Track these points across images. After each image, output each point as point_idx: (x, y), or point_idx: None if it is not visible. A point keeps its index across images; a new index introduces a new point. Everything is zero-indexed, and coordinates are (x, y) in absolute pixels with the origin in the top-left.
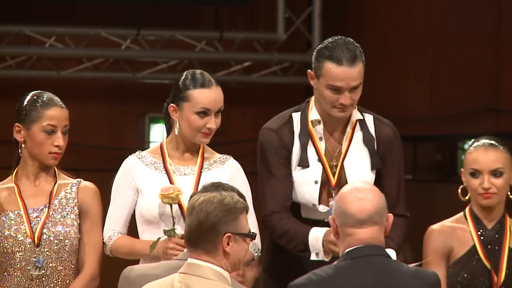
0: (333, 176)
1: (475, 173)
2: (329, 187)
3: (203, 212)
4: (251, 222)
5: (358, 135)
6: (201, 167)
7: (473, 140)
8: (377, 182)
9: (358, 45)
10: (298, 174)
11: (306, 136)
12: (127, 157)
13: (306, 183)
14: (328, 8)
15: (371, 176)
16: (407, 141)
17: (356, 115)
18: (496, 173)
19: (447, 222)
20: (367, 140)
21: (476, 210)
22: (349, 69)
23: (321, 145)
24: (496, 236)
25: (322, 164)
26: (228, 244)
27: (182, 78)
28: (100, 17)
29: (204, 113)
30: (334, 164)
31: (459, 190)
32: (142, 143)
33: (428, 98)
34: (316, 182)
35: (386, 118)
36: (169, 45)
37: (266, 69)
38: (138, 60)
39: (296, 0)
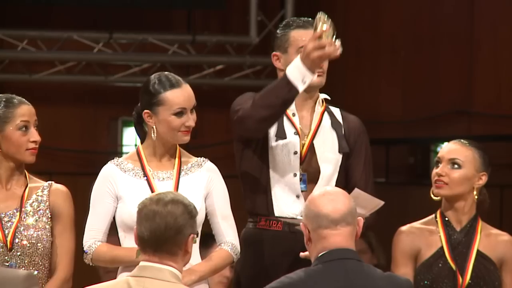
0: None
1: (437, 163)
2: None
3: (170, 215)
4: (229, 225)
5: (326, 119)
6: (179, 171)
7: None
8: (346, 174)
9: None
10: (276, 145)
11: None
12: (102, 161)
13: (286, 154)
14: (300, 11)
15: (338, 158)
16: (380, 144)
17: (321, 95)
18: (454, 163)
19: (417, 223)
20: (334, 124)
21: (446, 212)
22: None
23: (296, 120)
24: (465, 238)
25: (299, 137)
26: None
27: (151, 83)
28: (72, 21)
29: (181, 112)
30: (303, 142)
31: (431, 190)
32: (115, 147)
33: (400, 101)
34: (295, 152)
35: None
36: (141, 49)
37: (238, 72)
38: (111, 64)
39: (269, 3)
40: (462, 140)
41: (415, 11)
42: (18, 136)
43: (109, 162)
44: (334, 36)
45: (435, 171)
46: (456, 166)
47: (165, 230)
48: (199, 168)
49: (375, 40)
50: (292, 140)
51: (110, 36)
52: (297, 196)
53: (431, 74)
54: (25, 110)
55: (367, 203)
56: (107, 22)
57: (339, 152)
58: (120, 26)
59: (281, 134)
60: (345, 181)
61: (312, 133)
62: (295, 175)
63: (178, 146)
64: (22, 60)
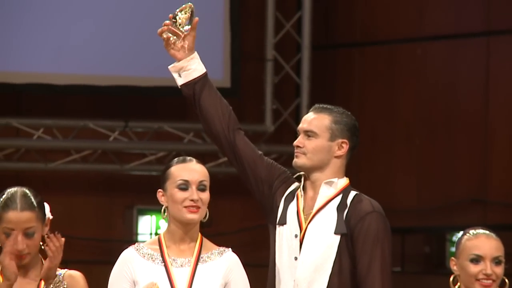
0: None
1: (477, 259)
2: None
3: None
4: None
5: (337, 200)
6: (198, 259)
7: (466, 229)
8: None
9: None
10: (282, 228)
11: (294, 193)
12: (117, 250)
13: (288, 238)
14: (315, 100)
15: (335, 240)
16: (395, 233)
17: (333, 179)
18: (497, 261)
19: None
20: (340, 205)
21: None
22: (309, 114)
23: (301, 201)
24: None
25: (299, 219)
26: None
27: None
28: (88, 109)
29: (184, 185)
30: (303, 225)
31: (451, 279)
32: (130, 235)
33: (415, 190)
34: (296, 236)
35: None
36: (157, 137)
37: None
38: (126, 152)
39: (284, 91)
40: (489, 231)
41: (429, 100)
42: (3, 240)
43: (130, 247)
44: (184, 27)
45: (477, 270)
46: (499, 262)
47: None
48: (219, 257)
49: (390, 129)
50: (294, 223)
51: (126, 125)
52: (295, 280)
53: (446, 162)
54: (11, 217)
55: None
56: (123, 110)
57: (335, 233)
58: (135, 115)
59: (283, 220)
60: (349, 264)
61: (311, 216)
62: (295, 258)
63: (200, 234)
64: (37, 149)
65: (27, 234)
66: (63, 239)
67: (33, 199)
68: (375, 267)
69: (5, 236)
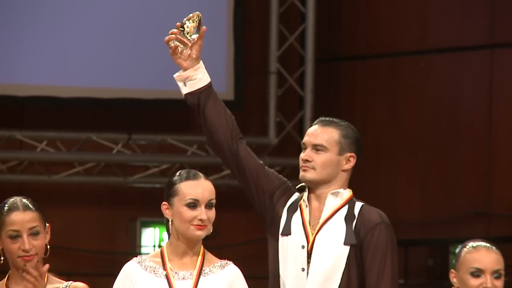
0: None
1: (477, 273)
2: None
3: None
4: None
5: (343, 211)
6: (200, 272)
7: (466, 242)
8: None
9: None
10: (286, 240)
11: (296, 203)
12: (120, 263)
13: (294, 249)
14: (319, 113)
15: (344, 250)
16: (398, 245)
17: (340, 190)
18: (497, 274)
19: None
20: (348, 216)
21: None
22: (315, 128)
23: (306, 212)
24: None
25: (305, 230)
26: None
27: (173, 177)
28: (91, 122)
29: (193, 204)
30: (310, 236)
31: None
32: (133, 247)
33: (419, 202)
34: (303, 246)
35: None
36: (160, 149)
37: None
38: (130, 164)
39: (287, 104)
40: (490, 244)
41: (433, 113)
42: (8, 243)
43: (132, 259)
44: (192, 36)
45: (477, 283)
46: (499, 276)
47: None
48: (221, 269)
49: (394, 141)
50: (300, 234)
51: (129, 137)
52: None
53: (449, 175)
54: (15, 218)
55: None
56: (126, 123)
57: (345, 244)
58: (139, 127)
59: (286, 231)
60: (358, 275)
61: (318, 227)
62: (303, 269)
63: (202, 246)
64: (41, 161)
65: (33, 234)
66: (46, 266)
67: (32, 202)
68: (385, 279)
69: (10, 239)
